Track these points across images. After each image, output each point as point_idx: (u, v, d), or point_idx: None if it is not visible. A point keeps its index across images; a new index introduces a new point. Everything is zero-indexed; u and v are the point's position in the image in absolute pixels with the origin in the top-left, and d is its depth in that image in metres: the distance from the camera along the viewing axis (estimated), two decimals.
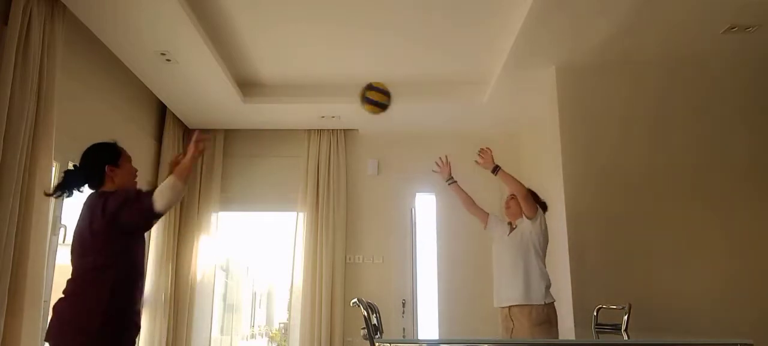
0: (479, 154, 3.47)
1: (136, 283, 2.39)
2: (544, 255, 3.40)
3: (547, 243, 3.44)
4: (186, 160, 2.42)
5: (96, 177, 2.42)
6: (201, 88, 4.60)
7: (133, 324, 2.38)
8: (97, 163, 2.41)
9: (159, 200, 2.27)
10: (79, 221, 2.37)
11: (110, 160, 2.43)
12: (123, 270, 2.31)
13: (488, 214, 3.72)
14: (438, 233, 5.41)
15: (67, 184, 2.41)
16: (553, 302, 3.31)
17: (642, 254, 3.84)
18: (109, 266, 2.27)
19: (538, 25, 3.59)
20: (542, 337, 3.17)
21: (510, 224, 3.56)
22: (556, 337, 3.25)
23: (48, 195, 2.43)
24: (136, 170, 2.57)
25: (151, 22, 3.59)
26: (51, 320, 2.26)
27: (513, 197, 3.50)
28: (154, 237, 4.82)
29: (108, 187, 2.42)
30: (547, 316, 3.25)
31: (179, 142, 5.25)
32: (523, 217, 3.41)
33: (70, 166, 2.44)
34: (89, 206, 2.37)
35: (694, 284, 3.76)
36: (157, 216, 2.33)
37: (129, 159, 2.53)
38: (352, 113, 5.16)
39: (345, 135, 5.55)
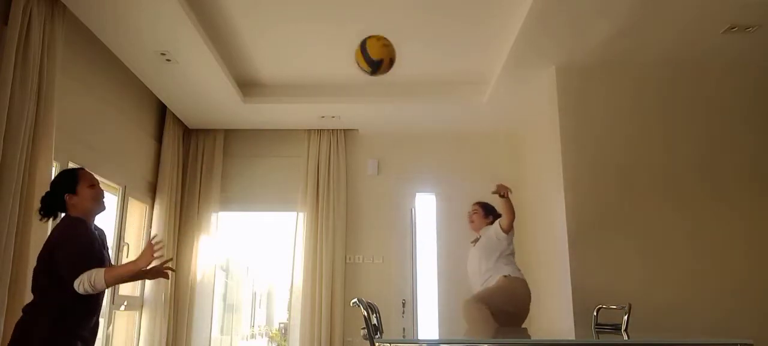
0: (498, 189, 3.71)
1: (84, 314, 2.48)
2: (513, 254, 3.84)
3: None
4: (125, 271, 2.53)
5: (59, 205, 2.56)
6: (201, 88, 4.60)
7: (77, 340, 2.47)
8: (57, 193, 2.55)
9: (79, 285, 2.35)
10: (48, 239, 2.52)
11: (67, 189, 2.54)
12: (67, 301, 2.40)
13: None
14: (438, 233, 5.41)
15: (45, 208, 2.56)
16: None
17: (642, 254, 3.83)
18: (53, 295, 2.40)
19: (538, 25, 3.59)
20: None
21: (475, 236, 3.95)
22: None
23: (41, 220, 2.60)
24: (99, 192, 2.63)
25: (151, 22, 3.59)
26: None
27: (476, 212, 3.98)
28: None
29: (71, 212, 2.54)
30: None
31: (179, 142, 5.25)
32: (489, 226, 3.85)
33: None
34: (56, 232, 2.51)
35: (695, 283, 3.76)
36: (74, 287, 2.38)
37: (89, 183, 2.59)
38: (352, 113, 5.17)
39: (345, 135, 5.55)
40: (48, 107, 3.15)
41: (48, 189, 2.59)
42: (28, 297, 2.90)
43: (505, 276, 3.63)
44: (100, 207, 2.62)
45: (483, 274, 3.73)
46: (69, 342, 2.41)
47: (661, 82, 4.12)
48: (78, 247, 2.44)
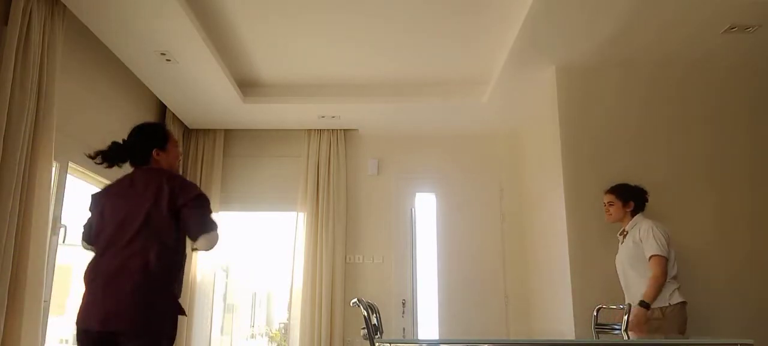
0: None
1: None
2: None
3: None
4: None
5: (141, 157, 2.45)
6: (201, 88, 4.60)
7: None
8: (145, 145, 2.45)
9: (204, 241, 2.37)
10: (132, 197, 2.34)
11: (158, 144, 2.46)
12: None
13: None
14: (438, 233, 5.41)
15: (111, 156, 2.43)
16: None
17: None
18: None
19: (538, 25, 3.59)
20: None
21: (622, 233, 3.45)
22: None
23: (89, 156, 2.41)
24: (181, 154, 2.57)
25: (151, 22, 3.59)
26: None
27: (611, 203, 3.46)
28: None
29: (154, 166, 2.45)
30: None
31: (179, 143, 5.25)
32: (640, 221, 3.35)
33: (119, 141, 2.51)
34: (147, 182, 2.36)
35: (694, 284, 3.76)
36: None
37: (175, 143, 2.56)
38: (352, 113, 5.17)
39: (345, 135, 5.56)
40: (48, 107, 3.15)
41: (130, 138, 2.46)
42: (29, 297, 2.92)
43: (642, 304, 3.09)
44: (178, 169, 2.60)
45: (636, 294, 3.22)
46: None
47: (661, 82, 4.12)
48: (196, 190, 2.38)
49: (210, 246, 2.34)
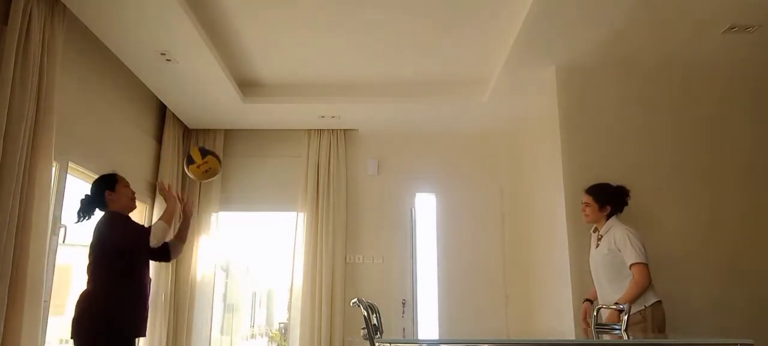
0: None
1: (133, 298, 2.94)
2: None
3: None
4: (168, 215, 3.02)
5: (99, 202, 3.00)
6: (201, 88, 4.60)
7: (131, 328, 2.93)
8: (98, 191, 2.99)
9: (154, 241, 2.88)
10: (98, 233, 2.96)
11: (108, 187, 3.00)
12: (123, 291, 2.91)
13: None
14: (438, 233, 5.42)
15: (83, 210, 3.00)
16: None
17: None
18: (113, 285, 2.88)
19: (538, 25, 3.59)
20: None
21: (595, 231, 3.46)
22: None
23: (76, 223, 3.03)
24: (133, 193, 3.11)
25: (151, 22, 3.59)
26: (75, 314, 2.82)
27: (588, 204, 3.40)
28: None
29: (112, 207, 2.99)
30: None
31: (179, 143, 5.25)
32: (615, 225, 3.32)
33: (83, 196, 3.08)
34: (104, 225, 2.95)
35: (694, 284, 3.76)
36: (149, 247, 2.93)
37: (125, 184, 3.07)
38: (352, 113, 5.17)
39: (345, 135, 5.56)
40: (48, 107, 3.15)
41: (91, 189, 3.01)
42: (29, 297, 2.92)
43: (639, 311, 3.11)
44: (133, 206, 3.09)
45: (607, 294, 3.27)
46: (124, 321, 2.84)
47: (661, 82, 4.12)
48: (131, 225, 2.95)
49: (158, 236, 2.93)
